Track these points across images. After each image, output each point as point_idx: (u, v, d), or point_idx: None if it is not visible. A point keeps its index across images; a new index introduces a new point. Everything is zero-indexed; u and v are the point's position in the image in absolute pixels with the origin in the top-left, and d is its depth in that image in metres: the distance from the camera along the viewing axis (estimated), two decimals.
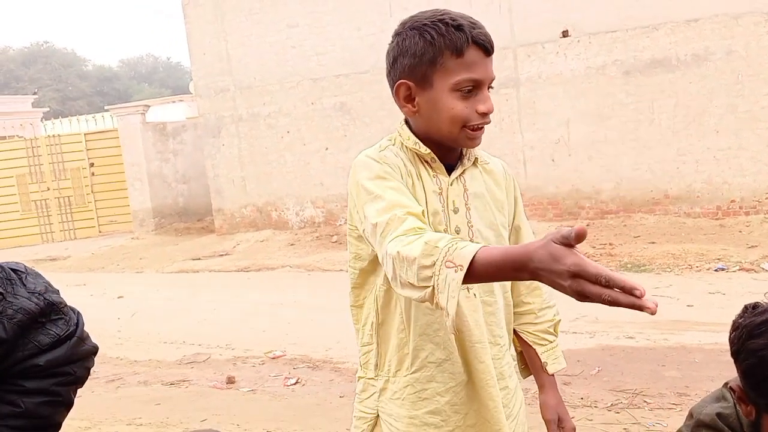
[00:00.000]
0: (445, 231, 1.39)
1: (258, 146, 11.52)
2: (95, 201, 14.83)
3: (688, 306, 5.30)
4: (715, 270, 6.37)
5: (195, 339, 5.80)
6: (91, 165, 14.70)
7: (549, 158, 9.28)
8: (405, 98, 1.42)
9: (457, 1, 6.41)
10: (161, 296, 7.86)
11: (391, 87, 1.44)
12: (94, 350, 1.21)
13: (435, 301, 1.11)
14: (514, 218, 1.57)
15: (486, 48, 1.35)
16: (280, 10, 11.02)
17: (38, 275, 1.18)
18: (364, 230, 1.33)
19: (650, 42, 8.65)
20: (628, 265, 6.82)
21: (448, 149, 1.45)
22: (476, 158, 1.48)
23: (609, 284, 0.90)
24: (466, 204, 1.44)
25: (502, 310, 1.51)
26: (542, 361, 1.60)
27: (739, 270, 6.29)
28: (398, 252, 1.15)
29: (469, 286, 1.38)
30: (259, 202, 11.64)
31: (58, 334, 1.12)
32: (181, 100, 18.29)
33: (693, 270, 6.45)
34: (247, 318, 6.40)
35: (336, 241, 10.14)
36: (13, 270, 1.15)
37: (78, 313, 1.20)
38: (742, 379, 1.22)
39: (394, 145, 1.46)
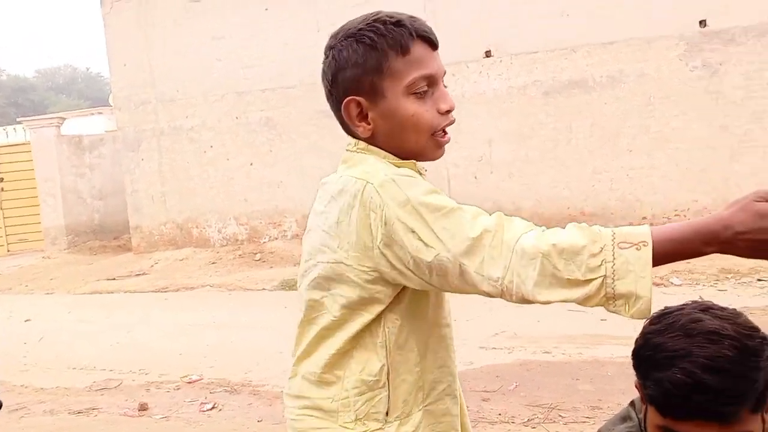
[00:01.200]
0: None
1: (180, 161, 11.21)
2: (4, 218, 14.07)
3: (601, 320, 5.43)
4: None
5: (106, 364, 5.53)
6: (1, 180, 13.96)
7: (472, 176, 9.42)
8: (357, 117, 1.22)
9: None
10: (72, 319, 7.49)
11: (336, 109, 1.25)
12: None
13: (604, 294, 0.97)
14: None
15: (432, 41, 1.23)
16: (205, 22, 10.82)
17: None
18: (437, 255, 1.06)
19: (569, 63, 8.95)
20: None
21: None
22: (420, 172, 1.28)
23: None
24: None
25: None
26: None
27: None
28: (554, 244, 0.98)
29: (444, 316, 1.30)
30: (180, 219, 11.30)
31: None
32: (99, 113, 17.66)
33: None
34: (163, 341, 6.16)
35: (259, 260, 9.95)
36: None
37: None
38: (635, 371, 1.19)
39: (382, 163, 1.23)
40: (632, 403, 1.34)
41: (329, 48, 1.26)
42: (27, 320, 7.49)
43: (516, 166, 9.26)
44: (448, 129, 1.26)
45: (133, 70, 11.36)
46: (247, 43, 10.61)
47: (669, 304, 1.23)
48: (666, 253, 0.98)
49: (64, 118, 14.22)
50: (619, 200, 8.85)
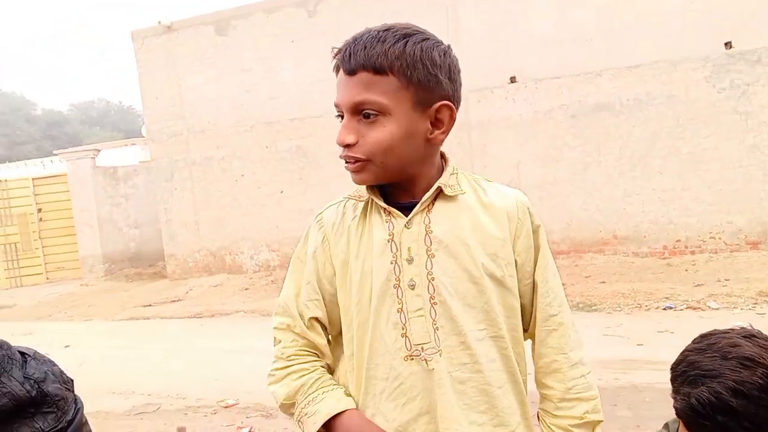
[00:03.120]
0: (396, 287, 1.17)
1: (212, 190, 11.43)
2: (43, 247, 14.42)
3: (638, 345, 5.39)
4: (664, 309, 6.51)
5: (145, 389, 5.62)
6: (39, 210, 14.33)
7: None
8: None
9: None
10: (110, 345, 7.62)
11: None
12: None
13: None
14: (534, 269, 1.24)
15: (344, 67, 1.15)
16: (233, 55, 11.09)
17: (46, 362, 1.10)
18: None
19: (594, 87, 8.98)
20: (580, 305, 6.93)
21: (403, 186, 1.22)
22: (440, 188, 1.19)
23: None
24: (427, 250, 1.17)
25: (503, 389, 1.19)
26: None
27: (686, 308, 6.45)
28: (269, 384, 1.26)
29: (426, 357, 1.15)
30: (213, 247, 11.49)
31: (42, 429, 1.03)
32: (133, 144, 18.03)
33: (642, 309, 6.58)
34: (199, 366, 6.24)
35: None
36: (21, 352, 1.08)
37: (78, 409, 1.11)
38: (676, 395, 1.20)
39: (349, 195, 1.30)
40: (666, 426, 1.36)
41: None
42: (66, 346, 7.64)
43: (545, 189, 9.26)
44: (358, 162, 1.19)
45: (165, 103, 11.66)
46: (275, 75, 10.84)
47: (712, 328, 1.26)
48: None
49: (99, 150, 14.58)
50: (651, 223, 8.79)
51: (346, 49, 1.14)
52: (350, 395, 1.22)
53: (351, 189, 1.31)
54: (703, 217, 8.54)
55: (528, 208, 1.26)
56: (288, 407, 1.22)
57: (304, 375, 1.22)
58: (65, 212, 13.99)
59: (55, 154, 16.04)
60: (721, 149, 8.41)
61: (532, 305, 1.25)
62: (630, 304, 6.76)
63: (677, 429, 1.23)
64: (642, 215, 8.83)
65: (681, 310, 6.42)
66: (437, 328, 1.15)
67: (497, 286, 1.19)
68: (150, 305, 10.02)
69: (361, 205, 1.25)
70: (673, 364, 1.22)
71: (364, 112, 1.14)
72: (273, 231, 11.03)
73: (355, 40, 1.14)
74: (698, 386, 1.11)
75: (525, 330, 1.28)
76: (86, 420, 1.18)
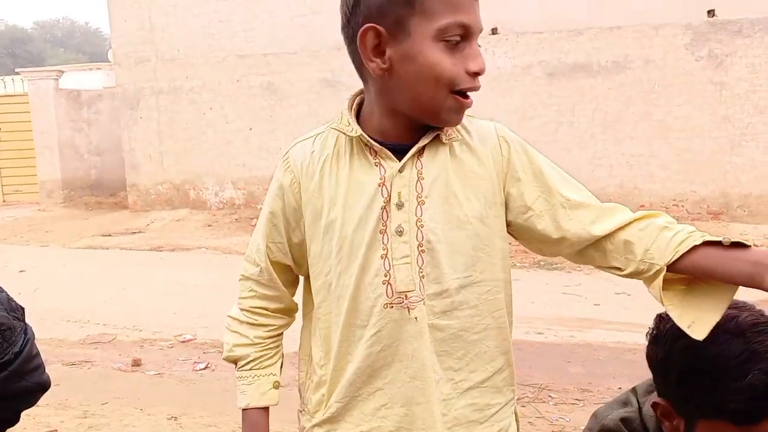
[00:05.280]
0: (383, 233, 1.11)
1: (178, 121, 11.14)
2: (0, 168, 13.99)
3: (595, 305, 5.50)
4: None
5: (101, 318, 5.56)
6: None
7: None
8: (373, 49, 1.06)
9: None
10: (67, 272, 7.49)
11: (352, 37, 1.08)
12: (39, 388, 1.04)
13: None
14: (524, 197, 1.16)
15: None
16: None
17: None
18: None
19: (575, 45, 8.90)
20: (541, 263, 7.02)
21: (412, 128, 1.12)
22: (439, 133, 1.12)
23: None
24: (417, 196, 1.11)
25: (484, 333, 1.15)
26: (707, 242, 1.05)
27: None
28: (228, 326, 1.30)
29: (409, 305, 1.11)
30: (177, 180, 11.27)
31: None
32: (98, 68, 17.43)
33: (601, 270, 6.70)
34: (158, 299, 6.19)
35: (256, 225, 9.95)
36: None
37: (27, 339, 1.03)
38: (677, 388, 1.14)
39: (329, 128, 1.18)
40: (633, 390, 1.34)
41: None
42: (22, 271, 7.49)
43: None
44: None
45: (134, 26, 11.21)
46: (252, 7, 10.48)
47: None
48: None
49: (63, 72, 14.05)
50: (618, 187, 8.89)
51: None
52: (278, 387, 1.29)
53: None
54: (667, 184, 8.66)
55: (508, 137, 1.19)
56: (228, 361, 1.32)
57: (247, 346, 1.28)
58: (25, 134, 13.51)
59: (17, 73, 15.42)
60: (692, 118, 8.47)
61: (557, 229, 1.16)
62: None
63: (665, 402, 1.18)
64: (609, 179, 8.91)
65: None
66: (423, 276, 1.11)
67: (485, 230, 1.14)
68: (109, 235, 9.86)
69: (331, 142, 1.16)
70: (678, 369, 1.13)
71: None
72: (239, 168, 10.84)
73: None
74: (746, 375, 1.05)
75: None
76: (37, 351, 1.12)
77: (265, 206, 1.26)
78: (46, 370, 1.12)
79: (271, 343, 1.29)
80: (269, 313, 1.28)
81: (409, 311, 1.10)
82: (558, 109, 9.06)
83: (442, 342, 1.12)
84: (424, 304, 1.11)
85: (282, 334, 1.32)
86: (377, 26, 1.03)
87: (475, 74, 1.06)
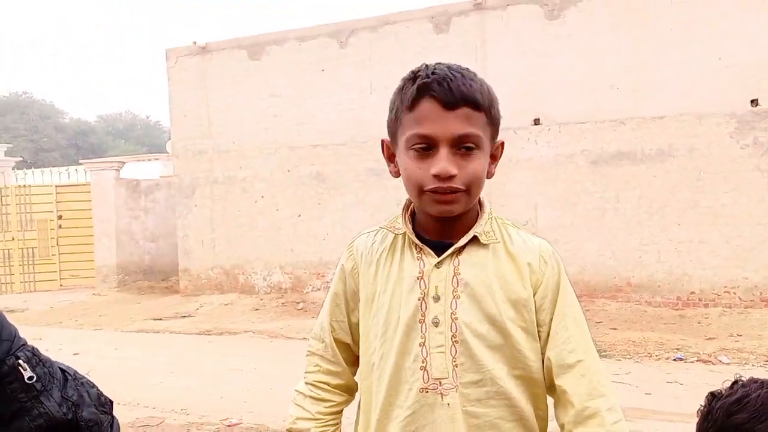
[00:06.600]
0: (421, 322, 1.23)
1: (231, 209, 11.56)
2: (59, 254, 14.57)
3: (646, 394, 5.35)
4: (674, 359, 6.46)
5: (150, 402, 5.65)
6: (59, 217, 14.53)
7: None
8: (388, 158, 1.31)
9: None
10: (118, 355, 7.67)
11: None
12: None
13: None
14: (552, 318, 1.27)
15: (444, 101, 1.17)
16: (263, 80, 11.31)
17: (85, 383, 1.10)
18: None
19: (617, 135, 9.03)
20: None
21: (449, 224, 1.26)
22: (475, 236, 1.25)
23: None
24: (453, 291, 1.22)
25: (514, 423, 1.23)
26: None
27: (696, 361, 6.39)
28: (293, 399, 1.42)
29: (443, 391, 1.20)
30: (227, 265, 11.57)
31: None
32: (156, 159, 18.32)
33: (652, 358, 6.53)
34: (206, 383, 6.27)
35: (302, 309, 10.07)
36: (62, 369, 1.08)
37: None
38: None
39: (383, 227, 1.36)
40: None
41: None
42: (75, 354, 7.69)
43: (561, 232, 9.27)
44: (457, 192, 1.22)
45: (193, 121, 11.88)
46: (303, 102, 11.02)
47: (718, 386, 1.24)
48: None
49: (124, 162, 14.82)
50: (666, 273, 8.75)
51: (443, 83, 1.17)
52: None
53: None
54: (718, 271, 8.49)
55: (549, 259, 1.30)
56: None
57: (309, 420, 1.37)
58: (85, 221, 14.16)
59: (80, 164, 16.32)
60: (740, 205, 8.39)
61: (546, 353, 1.26)
62: (640, 353, 6.71)
63: None
64: (657, 265, 8.79)
65: (691, 362, 6.37)
66: (456, 365, 1.22)
67: (518, 331, 1.24)
68: (160, 319, 10.08)
69: (390, 236, 1.31)
70: (702, 425, 1.19)
71: (465, 145, 1.20)
72: (287, 254, 11.09)
73: (446, 75, 1.19)
74: None
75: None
76: None
77: (331, 288, 1.41)
78: None
79: (331, 419, 1.38)
80: (331, 388, 1.39)
81: (442, 397, 1.21)
82: (602, 196, 9.09)
83: (476, 428, 1.20)
84: (457, 391, 1.21)
85: (341, 411, 1.41)
86: (386, 139, 1.30)
87: (437, 176, 1.18)
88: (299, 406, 1.39)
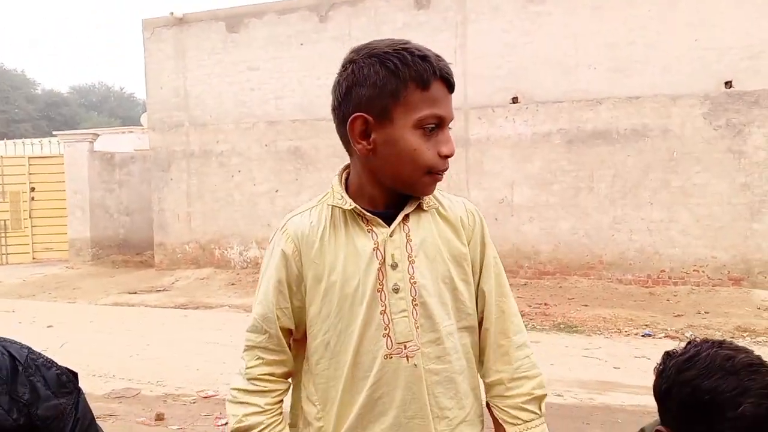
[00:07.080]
0: (380, 291, 1.27)
1: (207, 183, 11.49)
2: (32, 227, 14.39)
3: (614, 368, 5.49)
4: (643, 335, 6.62)
5: (125, 374, 5.65)
6: (32, 189, 14.32)
7: (493, 217, 9.56)
8: (360, 134, 1.24)
9: None
10: (93, 328, 7.64)
11: (342, 121, 1.27)
12: None
13: None
14: (481, 265, 1.38)
15: (450, 84, 1.25)
16: (242, 53, 11.18)
17: (41, 366, 1.01)
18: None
19: (593, 115, 9.12)
20: (561, 326, 7.02)
21: (396, 195, 1.30)
22: (420, 202, 1.31)
23: None
24: (408, 256, 1.28)
25: (463, 374, 1.34)
26: None
27: (664, 337, 6.55)
28: (227, 401, 1.34)
29: (408, 354, 1.27)
30: (203, 240, 11.53)
31: None
32: (131, 131, 18.07)
33: (622, 334, 6.69)
34: (182, 356, 6.28)
35: None
36: (12, 356, 0.98)
37: (78, 418, 1.02)
38: (677, 417, 1.25)
39: (322, 202, 1.35)
40: (642, 430, 1.44)
41: (349, 62, 1.25)
42: (49, 326, 7.65)
43: (537, 210, 9.38)
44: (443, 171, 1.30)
45: (169, 93, 11.73)
46: (281, 76, 10.94)
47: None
48: None
49: (98, 135, 14.60)
50: (637, 251, 8.91)
51: (443, 68, 1.23)
52: None
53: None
54: (688, 249, 8.68)
55: (474, 213, 1.40)
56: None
57: (259, 413, 1.31)
58: (58, 194, 13.97)
59: (54, 135, 16.04)
60: (711, 185, 8.55)
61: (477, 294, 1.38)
62: (610, 329, 6.86)
63: (667, 430, 1.28)
64: (629, 243, 8.96)
65: (659, 338, 6.53)
66: (418, 327, 1.27)
67: (462, 284, 1.33)
68: (135, 293, 10.04)
69: (324, 214, 1.31)
70: (680, 399, 1.24)
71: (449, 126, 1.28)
72: (264, 228, 11.08)
73: (440, 57, 1.25)
74: (739, 406, 1.17)
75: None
76: (91, 419, 1.11)
77: (269, 276, 1.35)
78: None
79: (278, 408, 1.36)
80: (276, 378, 1.35)
81: (408, 359, 1.27)
82: (577, 175, 9.20)
83: (437, 384, 1.29)
84: (420, 351, 1.27)
85: (283, 400, 1.38)
86: (365, 115, 1.23)
87: (446, 157, 1.25)
88: (244, 403, 1.32)
